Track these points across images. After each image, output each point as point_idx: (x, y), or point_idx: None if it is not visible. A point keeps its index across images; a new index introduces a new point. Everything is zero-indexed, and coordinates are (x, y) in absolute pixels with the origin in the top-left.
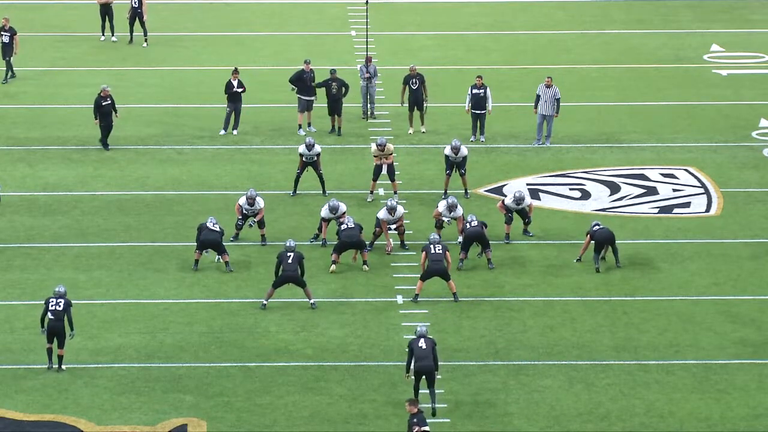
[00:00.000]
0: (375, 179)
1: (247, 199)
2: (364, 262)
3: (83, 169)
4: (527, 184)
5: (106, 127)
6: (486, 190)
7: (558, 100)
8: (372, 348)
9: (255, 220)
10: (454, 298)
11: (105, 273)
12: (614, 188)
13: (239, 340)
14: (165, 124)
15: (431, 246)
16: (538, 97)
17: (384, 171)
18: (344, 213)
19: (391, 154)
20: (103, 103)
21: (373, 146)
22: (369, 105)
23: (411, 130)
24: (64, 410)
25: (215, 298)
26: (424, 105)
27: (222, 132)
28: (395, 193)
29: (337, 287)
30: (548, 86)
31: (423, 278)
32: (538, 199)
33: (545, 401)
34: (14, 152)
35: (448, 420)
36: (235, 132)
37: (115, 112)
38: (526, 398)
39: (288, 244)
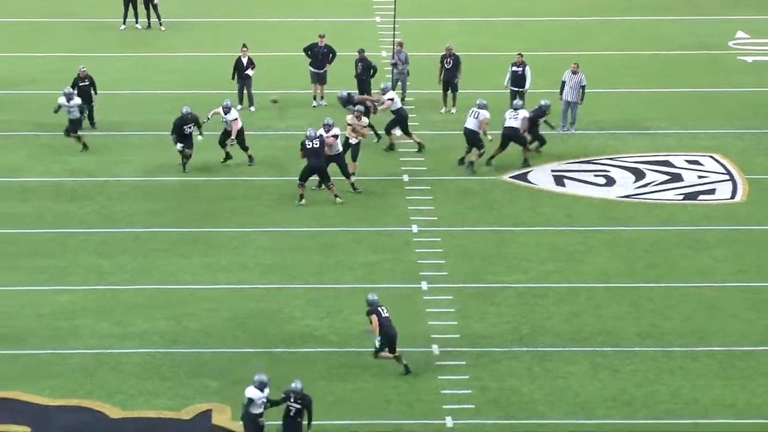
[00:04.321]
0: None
1: (223, 108)
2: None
3: (108, 155)
4: (552, 171)
5: (87, 108)
6: (511, 176)
7: (583, 87)
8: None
9: (233, 138)
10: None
11: (130, 258)
12: (639, 175)
13: (264, 326)
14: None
15: (380, 309)
16: (564, 83)
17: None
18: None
19: (366, 127)
20: (80, 84)
21: (350, 117)
22: (401, 91)
23: (444, 110)
24: (89, 395)
25: (240, 284)
26: (457, 85)
27: (239, 107)
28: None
29: (362, 273)
30: (574, 72)
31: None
32: (563, 185)
33: (570, 388)
34: (40, 138)
35: (473, 406)
36: (252, 109)
37: (95, 92)
38: (550, 385)
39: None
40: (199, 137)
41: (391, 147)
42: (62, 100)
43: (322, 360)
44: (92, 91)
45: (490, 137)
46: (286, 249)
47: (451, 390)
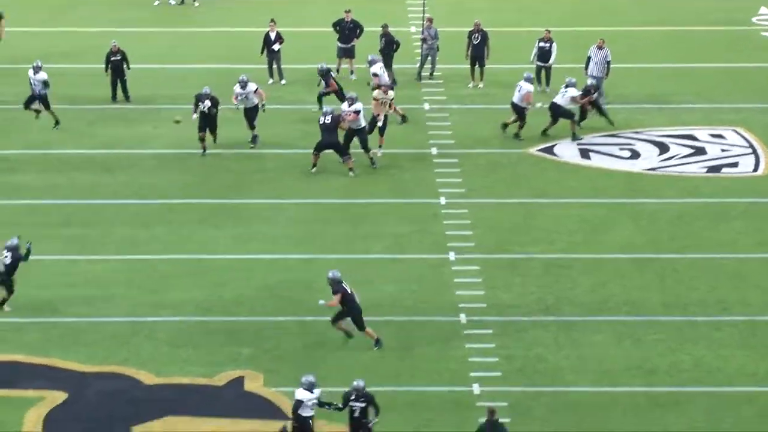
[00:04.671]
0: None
1: (239, 83)
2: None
3: (142, 128)
4: (578, 144)
5: (120, 82)
6: (538, 150)
7: (609, 62)
8: (424, 303)
9: (264, 103)
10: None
11: (164, 229)
12: (663, 148)
13: (295, 296)
14: (220, 85)
15: (344, 286)
16: (589, 58)
17: (379, 123)
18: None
19: (392, 100)
20: (113, 58)
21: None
22: (430, 66)
23: (471, 84)
24: (124, 362)
25: (271, 254)
26: (485, 61)
27: (270, 81)
28: (380, 146)
29: (391, 244)
30: (600, 48)
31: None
32: (589, 159)
33: (595, 356)
34: (75, 111)
35: (500, 374)
36: (282, 82)
37: (127, 67)
38: (576, 353)
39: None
40: (194, 116)
41: (404, 119)
42: (30, 72)
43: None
44: (124, 66)
45: (536, 105)
46: (316, 220)
47: (478, 358)
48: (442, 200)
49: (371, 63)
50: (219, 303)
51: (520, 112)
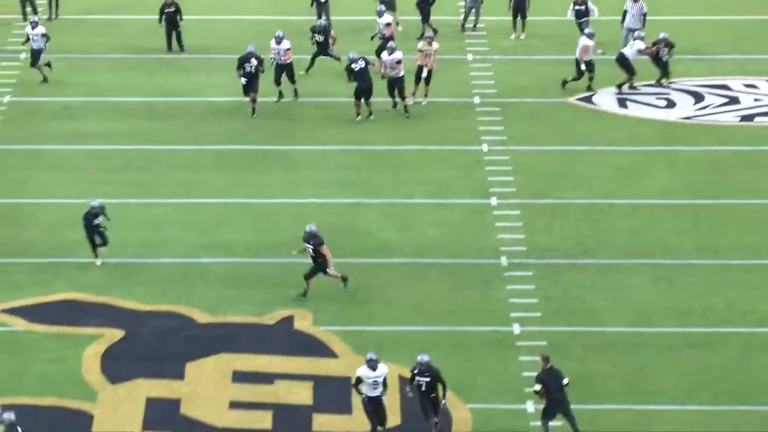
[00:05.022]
0: (417, 82)
1: (275, 38)
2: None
3: (197, 77)
4: (615, 94)
5: (175, 32)
6: (577, 99)
7: (645, 14)
8: (467, 246)
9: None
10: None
11: (217, 174)
12: (698, 97)
13: (342, 238)
14: (271, 36)
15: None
16: (626, 11)
17: (423, 74)
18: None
19: (436, 50)
20: (167, 10)
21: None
22: (474, 18)
23: (513, 36)
24: (178, 301)
25: (320, 199)
26: (526, 12)
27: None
28: (425, 96)
29: (434, 189)
30: (635, 1)
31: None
32: (626, 108)
33: (631, 298)
34: (134, 60)
35: (539, 314)
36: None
37: (180, 18)
38: (613, 295)
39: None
40: (242, 80)
41: None
42: (28, 28)
43: (397, 270)
44: (178, 17)
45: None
46: (362, 166)
47: (518, 299)
48: (485, 147)
49: (380, 14)
50: (269, 245)
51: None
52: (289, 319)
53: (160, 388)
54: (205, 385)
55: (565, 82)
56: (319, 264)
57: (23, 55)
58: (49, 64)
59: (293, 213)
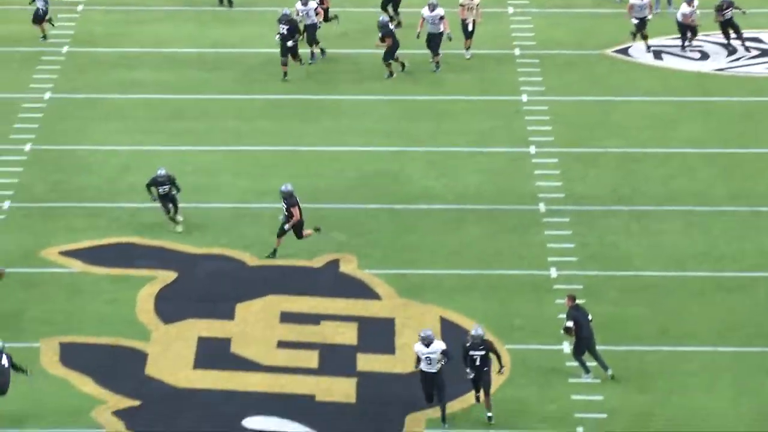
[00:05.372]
0: (466, 36)
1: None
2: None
3: (246, 28)
4: (650, 46)
5: None
6: (613, 51)
7: None
8: (506, 193)
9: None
10: None
11: (266, 123)
12: (731, 50)
13: (386, 185)
14: None
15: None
16: None
17: (470, 27)
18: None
19: (478, 4)
20: None
21: None
22: None
23: None
24: (229, 244)
25: (365, 147)
26: None
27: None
28: (468, 48)
29: (475, 138)
30: None
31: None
32: (661, 59)
33: (664, 244)
34: (185, 12)
35: (575, 259)
36: None
37: None
38: (646, 241)
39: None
40: (290, 42)
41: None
42: None
43: (439, 216)
44: None
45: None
46: (406, 115)
47: (555, 244)
48: (524, 97)
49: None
50: (316, 191)
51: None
52: (335, 263)
53: (211, 327)
54: (254, 325)
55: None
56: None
57: (80, 7)
58: (50, 20)
59: (339, 160)
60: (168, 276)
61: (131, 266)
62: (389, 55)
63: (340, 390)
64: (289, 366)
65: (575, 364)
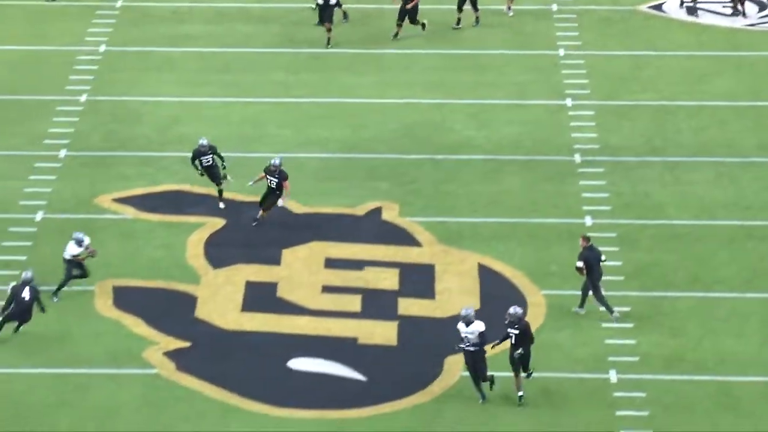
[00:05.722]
0: None
1: None
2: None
3: None
4: (684, 2)
5: None
6: (648, 7)
7: None
8: (543, 144)
9: None
10: None
11: (311, 75)
12: (763, 6)
13: (428, 136)
14: None
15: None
16: None
17: None
18: None
19: None
20: None
21: None
22: None
23: None
24: None
25: (407, 99)
26: None
27: None
28: (509, 7)
29: (514, 91)
30: None
31: None
32: (696, 16)
33: (695, 193)
34: None
35: (609, 208)
36: None
37: None
38: (678, 190)
39: None
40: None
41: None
42: None
43: (478, 166)
44: None
45: None
46: (447, 68)
47: (590, 194)
48: (561, 52)
49: None
50: (360, 141)
51: None
52: (377, 211)
53: (259, 272)
54: (300, 270)
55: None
56: (277, 196)
57: None
58: None
59: (382, 111)
60: (217, 223)
61: (182, 213)
62: (413, 14)
63: (382, 333)
64: (333, 310)
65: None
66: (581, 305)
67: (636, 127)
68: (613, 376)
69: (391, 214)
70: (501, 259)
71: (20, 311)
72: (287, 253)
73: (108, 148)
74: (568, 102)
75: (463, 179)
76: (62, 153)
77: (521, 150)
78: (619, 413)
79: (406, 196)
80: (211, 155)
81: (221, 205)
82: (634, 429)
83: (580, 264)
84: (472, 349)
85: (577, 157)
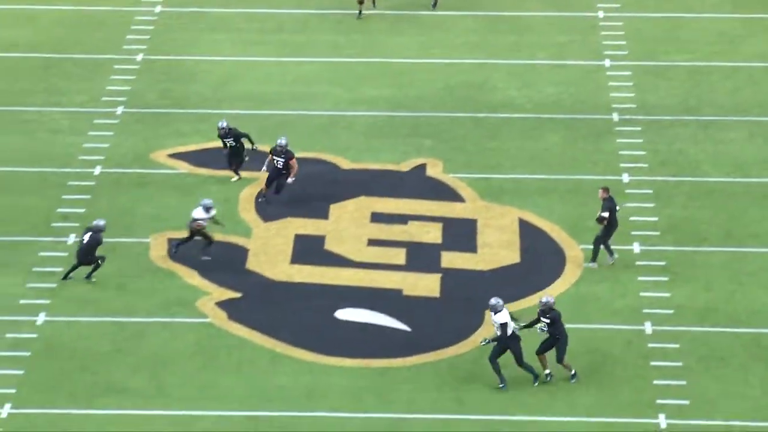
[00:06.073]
0: None
1: None
2: None
3: None
4: None
5: None
6: None
7: None
8: (583, 103)
9: None
10: None
11: (360, 36)
12: None
13: (471, 95)
14: None
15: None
16: None
17: None
18: None
19: None
20: None
21: None
22: None
23: None
24: (325, 149)
25: (451, 59)
26: None
27: None
28: None
29: (554, 51)
30: None
31: None
32: None
33: (729, 151)
34: None
35: (646, 165)
36: None
37: None
38: (713, 148)
39: None
40: None
41: None
42: None
43: (519, 124)
44: None
45: None
46: (488, 30)
47: (627, 151)
48: (600, 14)
49: None
50: (406, 100)
51: None
52: (422, 167)
53: (307, 226)
54: (347, 224)
55: None
56: (284, 176)
57: None
58: None
59: (427, 71)
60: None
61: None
62: None
63: (426, 285)
64: (378, 262)
65: (644, 262)
66: (594, 259)
67: (672, 87)
68: (648, 327)
69: (435, 170)
70: (541, 215)
71: (77, 252)
72: (335, 208)
73: (163, 106)
74: (607, 62)
75: (504, 137)
76: (119, 110)
77: (561, 109)
78: (653, 364)
79: (450, 153)
80: (232, 138)
81: (234, 179)
82: (668, 379)
83: (605, 214)
84: (500, 334)
85: (615, 116)
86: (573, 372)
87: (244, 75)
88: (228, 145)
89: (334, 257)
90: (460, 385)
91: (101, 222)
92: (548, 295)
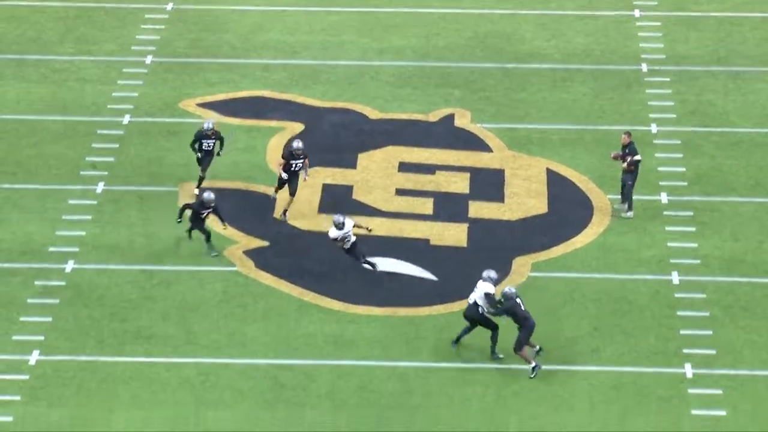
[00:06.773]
0: None
1: None
2: None
3: None
4: None
5: None
6: None
7: None
8: (612, 54)
9: None
10: None
11: None
12: None
13: (500, 45)
14: None
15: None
16: None
17: None
18: None
19: None
20: None
21: None
22: None
23: None
24: (353, 99)
25: (479, 9)
26: None
27: None
28: None
29: (583, 2)
30: None
31: None
32: None
33: (758, 102)
34: None
35: (674, 115)
36: None
37: None
38: (742, 99)
39: None
40: None
41: None
42: None
43: (547, 74)
44: None
45: None
46: None
47: (656, 102)
48: None
49: None
50: (434, 50)
51: None
52: (450, 117)
53: (335, 175)
54: (375, 173)
55: None
56: (298, 176)
57: None
58: None
59: (455, 21)
60: (296, 127)
61: (262, 117)
62: None
63: (453, 235)
64: (406, 212)
65: (672, 213)
66: (630, 207)
67: (701, 38)
68: (675, 277)
69: (463, 120)
70: (568, 165)
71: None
72: (363, 157)
73: (193, 55)
74: (636, 13)
75: (532, 87)
76: (148, 59)
77: (590, 59)
78: (680, 313)
79: (478, 103)
80: (213, 141)
81: (195, 191)
82: (695, 329)
83: (638, 157)
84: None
85: (644, 67)
86: (534, 365)
87: (272, 25)
88: (204, 147)
89: (362, 206)
90: (486, 333)
91: (211, 195)
92: (510, 285)
